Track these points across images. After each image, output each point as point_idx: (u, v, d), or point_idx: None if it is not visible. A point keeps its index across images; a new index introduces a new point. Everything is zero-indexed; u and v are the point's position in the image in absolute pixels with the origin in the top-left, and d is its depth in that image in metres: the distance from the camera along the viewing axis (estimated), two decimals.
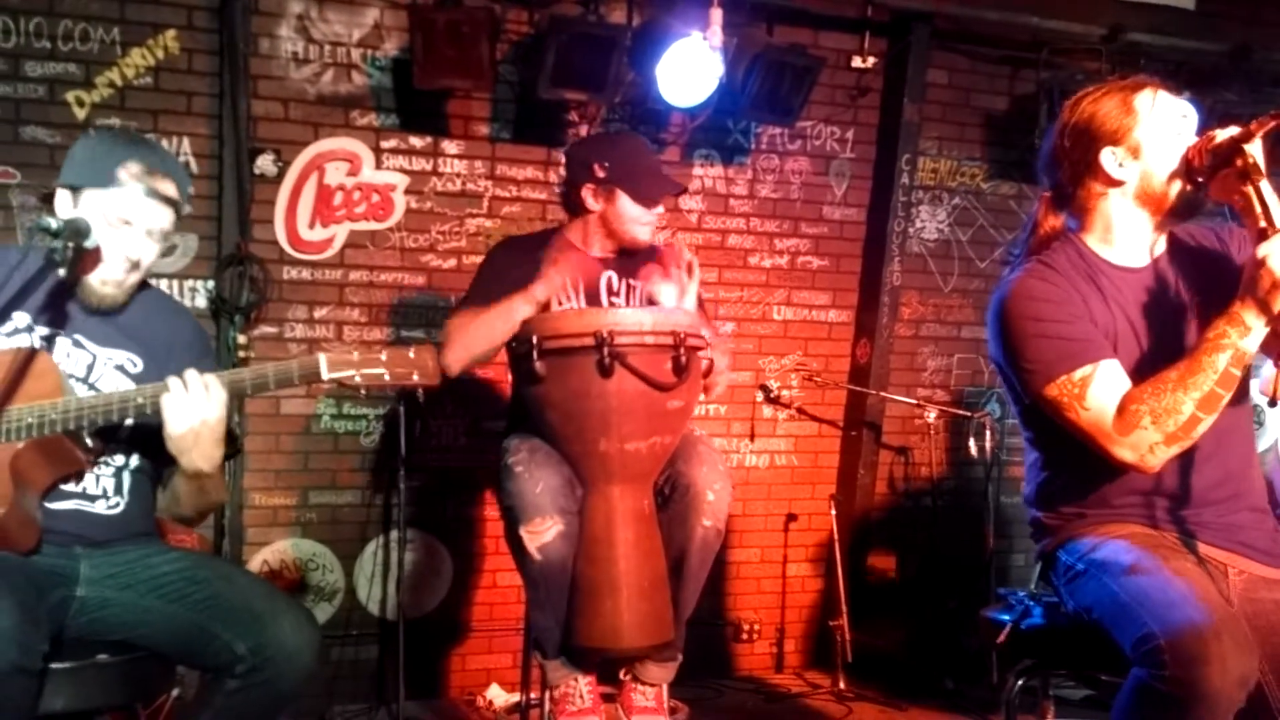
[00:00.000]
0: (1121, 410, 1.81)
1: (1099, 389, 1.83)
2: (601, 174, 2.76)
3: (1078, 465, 1.94)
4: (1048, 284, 1.93)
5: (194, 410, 1.88)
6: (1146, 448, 1.79)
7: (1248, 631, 1.68)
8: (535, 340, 2.44)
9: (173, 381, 1.89)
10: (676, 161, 4.13)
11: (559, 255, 2.66)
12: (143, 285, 2.16)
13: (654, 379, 2.43)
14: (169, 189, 2.04)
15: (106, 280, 2.03)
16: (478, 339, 2.61)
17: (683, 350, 2.44)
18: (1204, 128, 1.90)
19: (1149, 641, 1.64)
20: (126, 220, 2.00)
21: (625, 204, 2.77)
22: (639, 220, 2.79)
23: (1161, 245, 1.99)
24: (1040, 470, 2.06)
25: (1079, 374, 1.85)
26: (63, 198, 2.04)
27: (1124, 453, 1.81)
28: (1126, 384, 1.84)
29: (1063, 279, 1.93)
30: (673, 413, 2.50)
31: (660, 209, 2.85)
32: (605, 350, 2.37)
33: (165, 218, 2.05)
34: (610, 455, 2.46)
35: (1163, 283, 1.95)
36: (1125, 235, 1.97)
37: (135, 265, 2.05)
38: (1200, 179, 1.85)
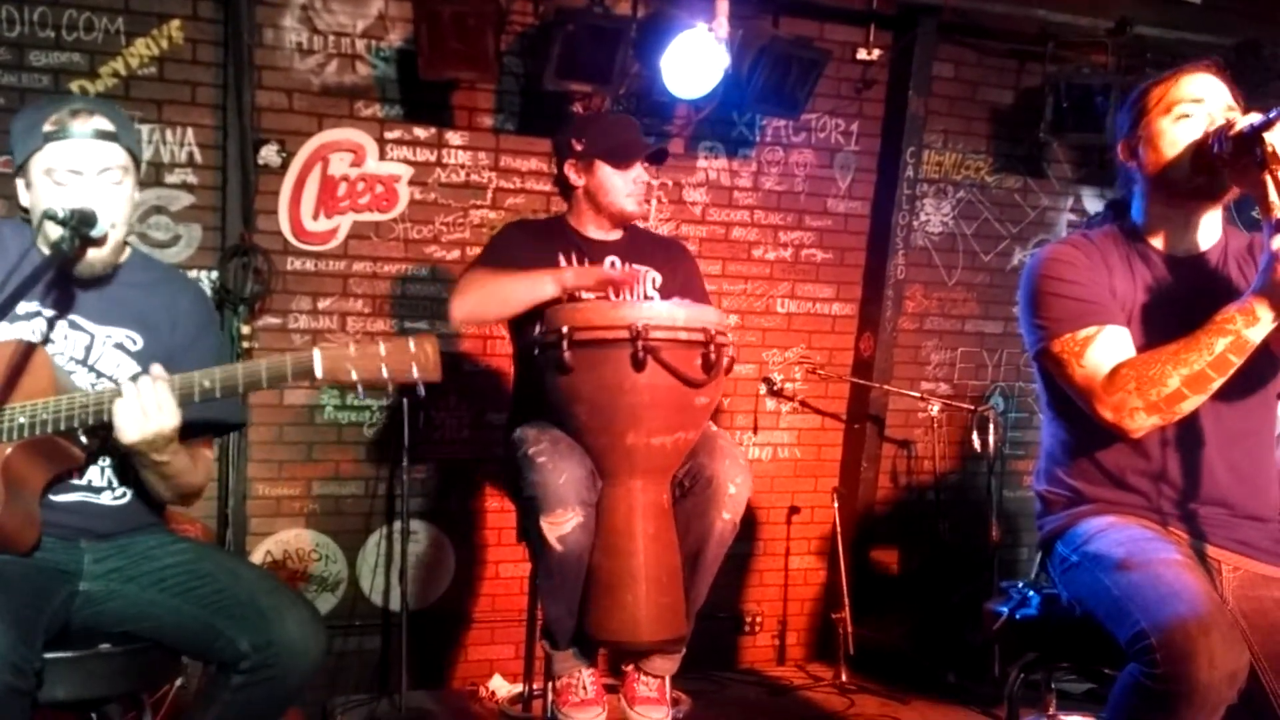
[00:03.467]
0: (1113, 373, 1.85)
1: (1098, 349, 1.88)
2: (579, 147, 2.80)
3: (1086, 437, 1.97)
4: (1076, 250, 1.99)
5: (148, 422, 1.81)
6: (1127, 411, 1.83)
7: (1240, 627, 1.68)
8: (566, 330, 2.42)
9: (126, 386, 1.81)
10: (681, 154, 4.13)
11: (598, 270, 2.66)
12: (137, 257, 2.13)
13: (685, 374, 2.43)
14: (103, 124, 1.95)
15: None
16: (494, 298, 2.61)
17: (713, 347, 2.45)
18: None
19: (1141, 639, 1.65)
20: (74, 169, 1.92)
21: (604, 172, 2.79)
22: (621, 189, 2.80)
23: (1211, 239, 2.00)
24: (1049, 442, 2.09)
25: (1083, 333, 1.90)
26: (19, 185, 2.00)
27: (1106, 412, 1.85)
28: (1129, 351, 1.88)
29: (1094, 249, 1.99)
30: (699, 409, 2.50)
31: (643, 176, 2.84)
32: (639, 344, 2.37)
33: (113, 154, 1.96)
34: (636, 448, 2.45)
35: (1195, 274, 1.97)
36: (1158, 223, 2.00)
37: (111, 220, 1.96)
38: (1219, 165, 1.85)
